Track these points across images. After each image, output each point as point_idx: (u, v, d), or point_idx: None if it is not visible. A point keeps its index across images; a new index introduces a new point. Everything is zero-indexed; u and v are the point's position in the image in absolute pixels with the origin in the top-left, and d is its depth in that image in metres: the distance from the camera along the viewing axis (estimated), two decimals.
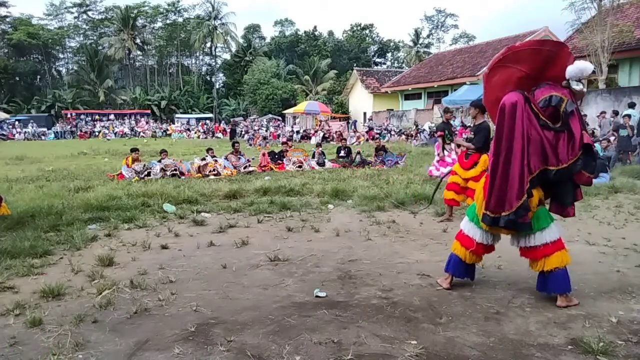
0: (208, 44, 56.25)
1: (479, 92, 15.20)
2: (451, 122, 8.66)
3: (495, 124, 3.77)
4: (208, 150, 13.38)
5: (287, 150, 14.35)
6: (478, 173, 6.02)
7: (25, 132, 37.11)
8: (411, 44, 55.01)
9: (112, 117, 44.70)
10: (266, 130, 30.89)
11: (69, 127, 40.30)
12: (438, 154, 9.67)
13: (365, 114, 37.05)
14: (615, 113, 15.20)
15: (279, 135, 28.97)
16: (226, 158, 12.42)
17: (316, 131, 29.17)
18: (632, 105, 14.17)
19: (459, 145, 7.17)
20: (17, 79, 52.56)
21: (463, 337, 3.05)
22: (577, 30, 19.28)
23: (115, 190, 8.45)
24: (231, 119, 41.23)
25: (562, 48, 3.60)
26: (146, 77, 58.09)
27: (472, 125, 6.64)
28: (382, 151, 14.55)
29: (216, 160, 12.03)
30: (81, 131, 39.39)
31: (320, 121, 31.85)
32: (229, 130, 32.33)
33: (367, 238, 5.61)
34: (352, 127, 32.71)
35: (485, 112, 5.69)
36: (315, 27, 59.47)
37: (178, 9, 57.05)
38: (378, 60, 62.85)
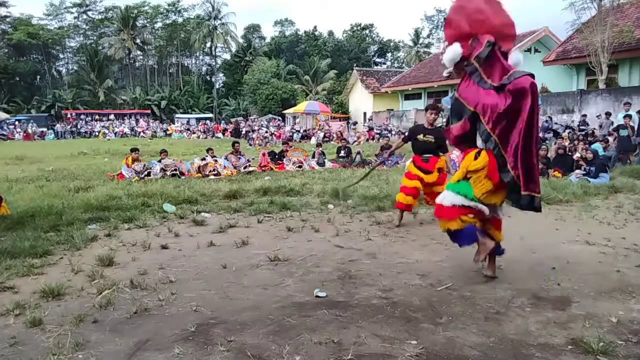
0: (208, 44, 56.16)
1: None
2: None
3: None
4: (208, 150, 13.36)
5: (287, 150, 14.35)
6: (439, 176, 6.21)
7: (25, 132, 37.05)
8: (411, 44, 54.94)
9: (112, 117, 44.62)
10: (266, 131, 30.81)
11: (69, 127, 40.17)
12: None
13: (365, 114, 37.00)
14: (608, 115, 15.22)
15: (283, 139, 28.67)
16: (226, 158, 12.41)
17: (316, 131, 29.13)
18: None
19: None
20: (17, 79, 52.52)
21: (463, 337, 3.05)
22: (577, 30, 19.27)
23: (115, 190, 8.45)
24: (231, 119, 41.17)
25: None
26: (146, 77, 58.05)
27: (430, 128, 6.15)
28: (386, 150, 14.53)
29: (216, 160, 12.02)
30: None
31: (322, 121, 31.82)
32: (233, 129, 32.17)
33: (367, 238, 5.61)
34: (352, 126, 32.68)
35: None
36: (315, 27, 59.67)
37: (178, 9, 57.03)
38: (378, 60, 62.77)
